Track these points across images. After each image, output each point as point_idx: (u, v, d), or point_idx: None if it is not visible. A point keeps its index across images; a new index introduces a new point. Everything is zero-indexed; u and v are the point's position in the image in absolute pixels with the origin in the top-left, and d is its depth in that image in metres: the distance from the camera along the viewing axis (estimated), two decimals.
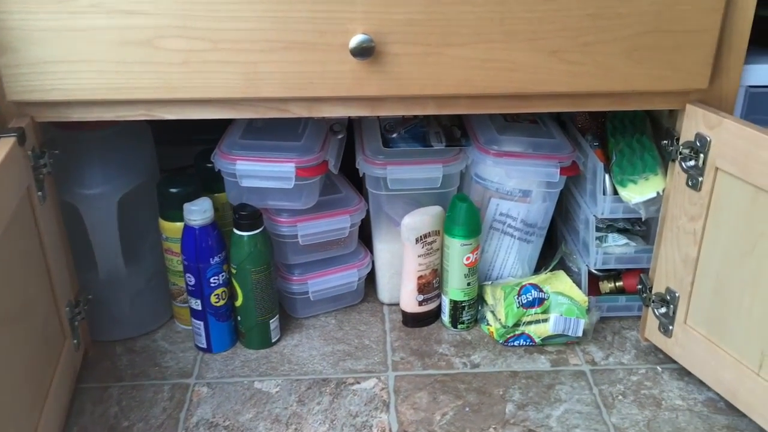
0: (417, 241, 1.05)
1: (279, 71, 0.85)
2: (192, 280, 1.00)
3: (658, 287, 1.02)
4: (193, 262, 0.99)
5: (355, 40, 0.82)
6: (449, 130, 1.10)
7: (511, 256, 1.14)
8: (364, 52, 0.83)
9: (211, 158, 1.02)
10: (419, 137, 1.08)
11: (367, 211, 1.10)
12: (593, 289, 1.15)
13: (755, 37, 0.90)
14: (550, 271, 1.15)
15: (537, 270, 1.18)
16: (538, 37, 0.85)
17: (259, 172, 0.99)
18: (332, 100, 0.90)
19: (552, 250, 1.20)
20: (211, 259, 0.99)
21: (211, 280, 1.00)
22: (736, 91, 0.92)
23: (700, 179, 0.91)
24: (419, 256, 1.06)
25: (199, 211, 0.97)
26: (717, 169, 0.88)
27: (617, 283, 1.15)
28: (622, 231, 1.12)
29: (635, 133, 1.08)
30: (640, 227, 1.11)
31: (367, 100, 0.90)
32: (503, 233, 1.12)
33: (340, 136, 0.99)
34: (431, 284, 1.09)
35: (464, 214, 1.03)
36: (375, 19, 0.83)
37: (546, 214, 1.12)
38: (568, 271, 1.16)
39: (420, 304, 1.10)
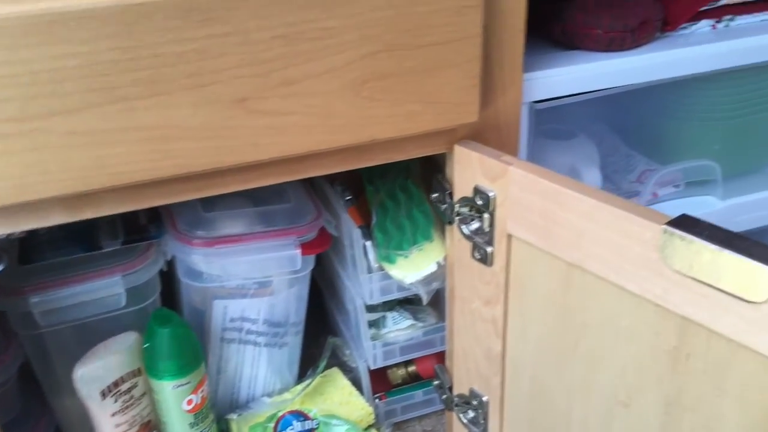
0: (104, 395, 0.68)
1: None
2: None
3: (460, 387, 0.74)
4: None
5: None
6: (131, 216, 0.73)
7: (260, 370, 0.80)
8: None
9: None
10: (81, 236, 0.70)
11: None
12: (380, 382, 0.85)
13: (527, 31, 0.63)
14: (321, 373, 0.83)
15: (304, 373, 0.85)
16: (206, 82, 0.51)
17: None
18: None
19: (326, 329, 0.89)
20: None
21: None
22: (519, 114, 0.64)
23: (489, 250, 0.62)
24: (114, 415, 0.70)
25: None
26: (510, 236, 0.60)
27: (409, 369, 0.86)
28: (404, 304, 0.83)
29: (397, 175, 0.78)
30: None
31: None
32: (242, 343, 0.78)
33: None
34: None
35: (169, 344, 0.68)
36: None
37: (298, 302, 0.79)
38: (344, 367, 0.85)
39: None
